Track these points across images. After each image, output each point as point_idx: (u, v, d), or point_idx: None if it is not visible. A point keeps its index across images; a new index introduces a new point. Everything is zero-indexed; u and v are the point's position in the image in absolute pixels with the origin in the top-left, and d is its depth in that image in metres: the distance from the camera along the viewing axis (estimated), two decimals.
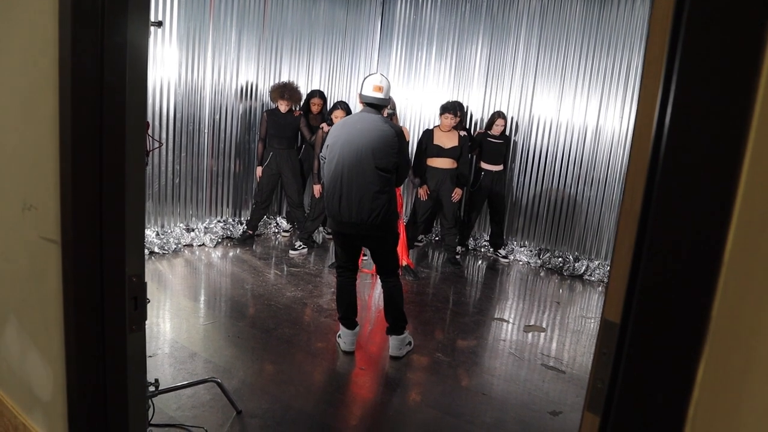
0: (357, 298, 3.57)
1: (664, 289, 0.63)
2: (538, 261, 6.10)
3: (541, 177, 6.21)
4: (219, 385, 2.81)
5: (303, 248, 5.64)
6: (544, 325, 4.41)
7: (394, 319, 3.47)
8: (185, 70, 5.31)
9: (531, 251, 6.24)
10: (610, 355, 0.70)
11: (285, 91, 5.61)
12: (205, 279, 4.81)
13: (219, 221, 5.95)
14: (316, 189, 5.52)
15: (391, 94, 3.91)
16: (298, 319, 4.01)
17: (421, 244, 6.38)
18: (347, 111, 5.54)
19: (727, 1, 0.59)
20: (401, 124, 6.18)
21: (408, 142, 4.19)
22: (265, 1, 5.92)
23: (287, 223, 6.46)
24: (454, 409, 2.99)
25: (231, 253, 5.48)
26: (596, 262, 5.85)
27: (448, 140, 5.50)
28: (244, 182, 6.19)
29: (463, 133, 5.60)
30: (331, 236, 6.28)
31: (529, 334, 4.16)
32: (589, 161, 5.89)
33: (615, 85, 5.68)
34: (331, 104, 6.00)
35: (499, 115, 5.88)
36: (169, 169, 5.37)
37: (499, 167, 5.99)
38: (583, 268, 5.83)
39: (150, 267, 4.79)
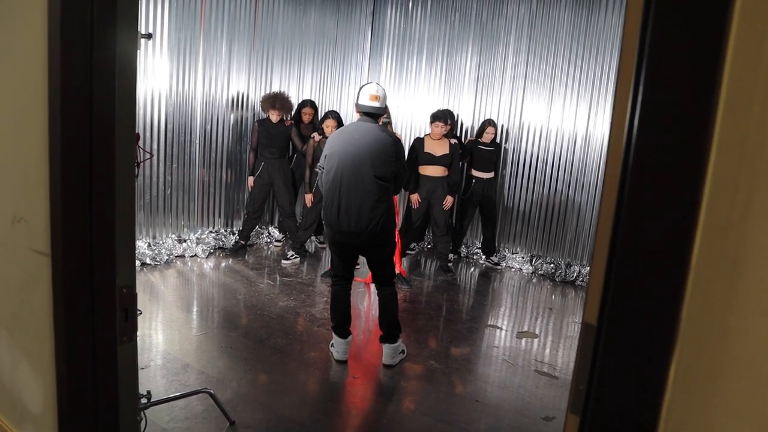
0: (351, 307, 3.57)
1: (634, 292, 0.65)
2: (531, 267, 6.13)
3: (532, 184, 6.25)
4: (212, 396, 2.80)
5: (295, 258, 5.64)
6: (537, 332, 4.42)
7: (389, 328, 3.47)
8: (176, 81, 5.32)
9: (523, 258, 6.27)
10: (589, 358, 0.72)
11: (276, 100, 5.63)
12: (197, 290, 4.80)
13: (211, 232, 5.94)
14: (308, 198, 5.52)
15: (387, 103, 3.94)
16: (291, 328, 4.01)
17: (413, 252, 6.39)
18: (338, 120, 5.56)
19: (688, 13, 0.61)
20: (396, 132, 6.20)
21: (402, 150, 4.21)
22: (256, 12, 5.95)
23: (279, 232, 6.46)
24: (448, 416, 2.99)
25: (223, 264, 5.47)
26: (588, 268, 5.88)
27: (439, 148, 5.53)
28: (236, 192, 6.19)
29: (453, 141, 5.63)
30: (323, 245, 6.29)
31: (522, 341, 4.17)
32: (579, 167, 5.94)
33: (603, 91, 5.74)
34: (323, 114, 6.02)
35: (489, 122, 5.92)
36: (161, 179, 5.36)
37: (490, 174, 6.02)
38: (575, 273, 5.86)
39: (142, 278, 4.78)
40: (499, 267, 6.20)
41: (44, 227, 1.55)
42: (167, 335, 3.74)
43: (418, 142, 5.60)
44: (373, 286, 5.01)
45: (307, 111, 5.97)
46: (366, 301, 4.84)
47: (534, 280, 5.91)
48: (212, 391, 2.82)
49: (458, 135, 6.40)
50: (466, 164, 6.13)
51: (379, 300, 3.49)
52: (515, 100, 6.28)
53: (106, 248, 1.48)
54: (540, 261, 6.12)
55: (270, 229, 6.51)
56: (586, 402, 0.71)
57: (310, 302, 4.57)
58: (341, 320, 3.50)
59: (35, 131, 1.54)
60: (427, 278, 5.61)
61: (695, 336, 0.62)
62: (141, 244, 5.18)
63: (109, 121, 1.41)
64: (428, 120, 5.68)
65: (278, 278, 5.14)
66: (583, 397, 0.71)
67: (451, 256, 6.03)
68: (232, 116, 5.96)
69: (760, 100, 0.60)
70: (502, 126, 6.34)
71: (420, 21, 6.79)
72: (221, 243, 5.88)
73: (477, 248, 6.48)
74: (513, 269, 6.19)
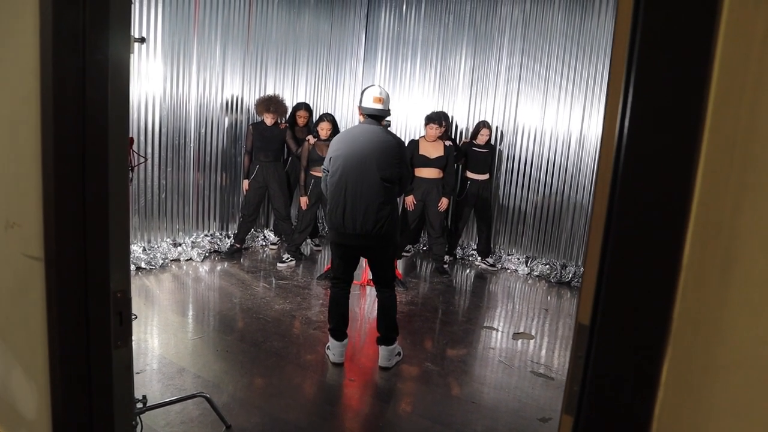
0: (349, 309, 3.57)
1: (626, 292, 0.65)
2: (526, 269, 6.14)
3: (527, 185, 6.26)
4: (208, 400, 2.79)
5: (291, 261, 5.63)
6: (532, 333, 4.43)
7: (387, 330, 3.47)
8: (170, 85, 5.31)
9: (518, 259, 6.28)
10: (583, 358, 0.72)
11: (270, 104, 5.63)
12: (192, 293, 4.79)
13: (206, 235, 5.92)
14: (303, 201, 5.52)
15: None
16: (287, 331, 4.00)
17: (408, 254, 6.40)
18: (333, 123, 5.56)
19: (677, 16, 0.61)
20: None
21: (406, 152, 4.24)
22: (250, 15, 5.95)
23: (275, 235, 6.45)
24: (445, 418, 2.99)
25: (219, 267, 5.46)
26: (583, 269, 5.89)
27: (433, 150, 5.54)
28: (231, 196, 6.18)
29: (448, 142, 5.64)
30: (318, 248, 6.28)
31: (519, 342, 4.18)
32: (574, 168, 5.96)
33: (597, 92, 5.76)
34: (317, 116, 6.02)
35: (483, 124, 5.94)
36: (155, 183, 5.35)
37: (485, 176, 6.03)
38: (571, 274, 5.88)
39: (137, 282, 4.76)
40: (495, 268, 6.21)
41: (37, 232, 1.54)
42: (162, 339, 3.73)
43: (413, 144, 5.61)
44: (368, 289, 5.01)
45: (301, 114, 5.98)
46: (361, 303, 4.84)
47: (529, 281, 5.92)
48: (208, 395, 2.81)
49: (453, 137, 6.42)
50: (460, 166, 6.14)
51: (378, 302, 3.49)
52: (509, 101, 6.30)
53: (100, 252, 1.48)
54: (535, 262, 6.14)
55: (265, 232, 6.50)
56: (579, 402, 0.71)
57: (306, 305, 4.56)
58: (339, 323, 3.49)
59: (28, 135, 1.53)
60: (422, 280, 5.61)
61: (687, 335, 0.63)
62: (136, 248, 5.16)
63: (102, 124, 1.41)
64: (423, 122, 5.69)
65: (274, 281, 5.13)
66: (577, 397, 0.72)
67: (446, 257, 6.04)
68: (226, 119, 5.96)
69: (749, 100, 0.60)
70: (497, 128, 6.35)
71: (414, 23, 6.80)
72: (216, 246, 5.87)
73: (472, 250, 6.49)
74: (508, 270, 6.20)
